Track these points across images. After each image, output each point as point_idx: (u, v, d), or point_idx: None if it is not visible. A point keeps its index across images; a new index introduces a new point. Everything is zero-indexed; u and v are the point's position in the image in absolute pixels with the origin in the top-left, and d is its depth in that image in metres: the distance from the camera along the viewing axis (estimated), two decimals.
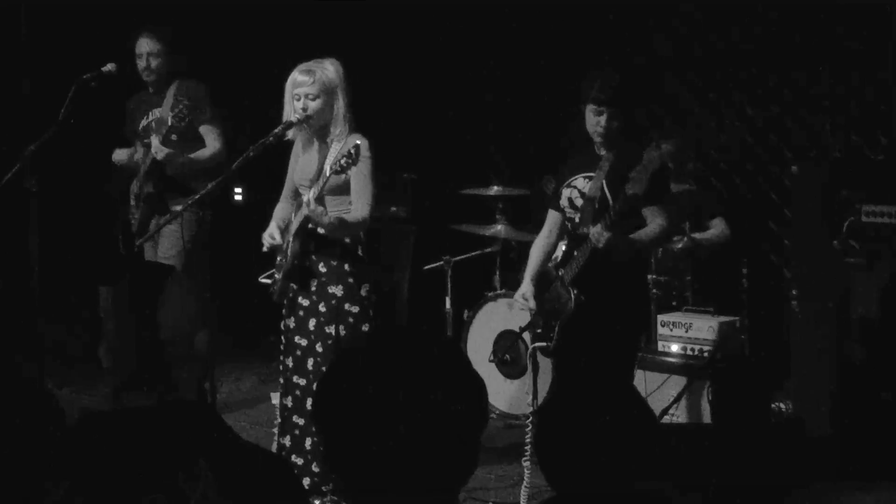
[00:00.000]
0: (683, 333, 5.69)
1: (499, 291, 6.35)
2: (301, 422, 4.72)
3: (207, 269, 5.75)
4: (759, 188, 6.83)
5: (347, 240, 4.72)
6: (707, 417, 5.36)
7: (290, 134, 4.80)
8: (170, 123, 5.71)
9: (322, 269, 4.72)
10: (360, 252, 4.76)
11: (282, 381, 4.83)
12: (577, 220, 4.73)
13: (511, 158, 7.68)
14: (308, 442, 4.70)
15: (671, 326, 5.73)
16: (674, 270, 6.00)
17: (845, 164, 5.94)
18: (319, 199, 4.61)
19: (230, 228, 6.04)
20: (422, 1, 7.65)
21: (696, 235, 5.92)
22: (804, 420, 5.27)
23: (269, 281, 4.97)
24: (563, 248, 4.92)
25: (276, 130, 4.72)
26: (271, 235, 4.80)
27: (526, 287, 4.83)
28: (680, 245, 5.84)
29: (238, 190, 6.62)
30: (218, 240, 5.86)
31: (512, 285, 5.80)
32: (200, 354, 5.87)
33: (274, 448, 4.78)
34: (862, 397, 5.16)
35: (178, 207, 5.55)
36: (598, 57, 6.95)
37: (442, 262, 6.59)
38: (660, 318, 5.78)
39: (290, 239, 4.73)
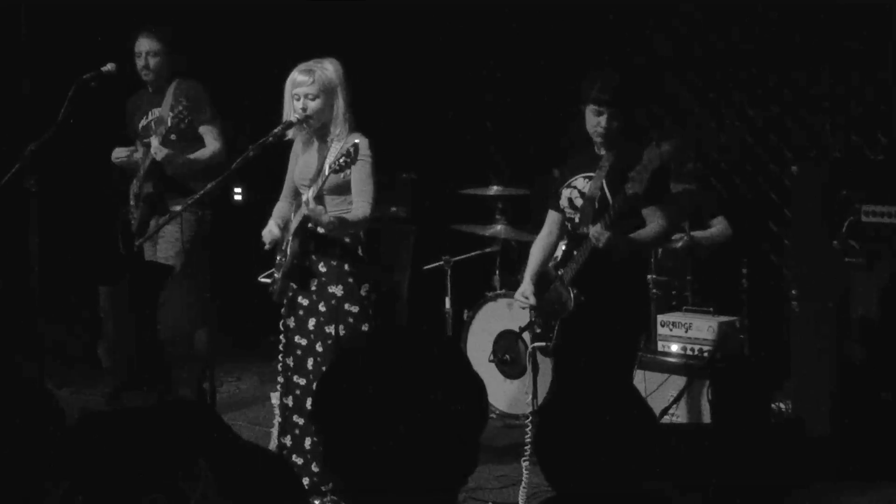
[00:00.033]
0: (683, 333, 5.69)
1: (499, 291, 6.35)
2: (301, 421, 4.72)
3: (207, 268, 5.74)
4: (759, 188, 6.83)
5: (347, 240, 4.72)
6: (707, 417, 5.36)
7: (289, 134, 4.80)
8: (169, 124, 5.71)
9: (322, 268, 4.72)
10: (359, 252, 4.76)
11: (282, 380, 4.83)
12: (576, 220, 4.73)
13: (511, 158, 7.69)
14: (307, 442, 4.70)
15: (671, 326, 5.73)
16: (674, 270, 6.00)
17: (845, 164, 5.94)
18: (319, 199, 4.61)
19: (230, 228, 6.04)
20: (422, 1, 7.65)
21: (696, 233, 5.92)
22: (804, 420, 5.27)
23: (268, 280, 4.97)
24: (563, 248, 4.92)
25: (276, 130, 4.72)
26: (270, 231, 4.81)
27: (526, 286, 4.83)
28: (680, 244, 5.84)
29: (238, 190, 6.62)
30: (218, 240, 5.85)
31: (512, 285, 5.80)
32: (200, 354, 5.87)
33: (272, 447, 4.78)
34: (862, 397, 5.16)
35: (178, 207, 5.55)
36: (598, 57, 6.95)
37: (442, 262, 6.59)
38: (660, 317, 5.78)
39: (290, 238, 4.73)
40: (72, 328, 7.37)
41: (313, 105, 4.66)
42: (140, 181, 5.91)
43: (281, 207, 4.95)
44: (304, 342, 4.74)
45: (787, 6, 6.62)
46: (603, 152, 4.71)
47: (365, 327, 4.72)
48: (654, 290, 5.86)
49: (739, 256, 6.06)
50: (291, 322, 4.79)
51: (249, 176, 5.52)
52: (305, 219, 4.64)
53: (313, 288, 4.72)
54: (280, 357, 4.84)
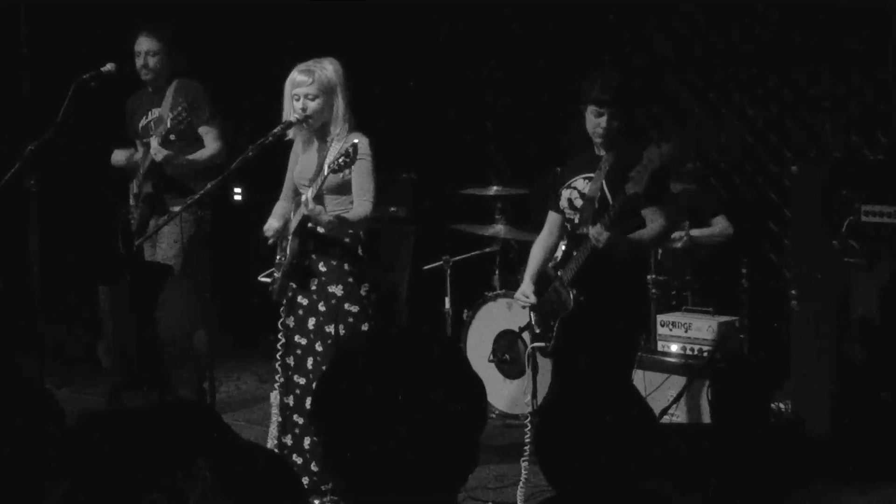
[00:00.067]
0: (683, 333, 5.69)
1: (498, 291, 6.35)
2: (301, 421, 4.72)
3: (207, 268, 5.74)
4: (759, 188, 6.83)
5: (347, 239, 4.72)
6: (707, 417, 5.36)
7: (289, 133, 4.80)
8: (169, 124, 5.71)
9: (322, 268, 4.72)
10: (359, 252, 4.76)
11: (283, 379, 4.83)
12: (576, 220, 4.72)
13: (511, 158, 7.69)
14: (307, 441, 4.70)
15: (671, 326, 5.73)
16: (674, 270, 6.00)
17: (845, 164, 5.93)
18: (318, 198, 4.61)
19: (230, 228, 6.04)
20: (422, 1, 7.65)
21: (696, 232, 5.92)
22: (804, 420, 5.27)
23: (268, 280, 4.97)
24: (563, 248, 4.92)
25: (276, 130, 4.72)
26: (272, 226, 4.82)
27: (526, 286, 4.84)
28: (679, 244, 5.84)
29: (237, 190, 6.61)
30: (217, 240, 5.85)
31: (511, 285, 5.80)
32: (200, 354, 5.87)
33: (270, 446, 4.77)
34: (862, 397, 5.16)
35: (177, 207, 5.55)
36: (598, 57, 6.95)
37: (442, 262, 6.59)
38: (659, 317, 5.78)
39: (290, 238, 4.73)
40: (72, 328, 7.38)
41: (313, 105, 4.66)
42: (140, 181, 5.91)
43: (281, 207, 4.95)
44: (303, 342, 4.74)
45: (787, 6, 6.62)
46: (603, 153, 4.71)
47: (365, 327, 4.72)
48: (654, 290, 5.86)
49: (739, 256, 6.06)
50: (291, 321, 4.79)
51: (249, 176, 5.51)
52: (305, 218, 4.64)
53: (313, 287, 4.72)
54: (279, 356, 4.84)
